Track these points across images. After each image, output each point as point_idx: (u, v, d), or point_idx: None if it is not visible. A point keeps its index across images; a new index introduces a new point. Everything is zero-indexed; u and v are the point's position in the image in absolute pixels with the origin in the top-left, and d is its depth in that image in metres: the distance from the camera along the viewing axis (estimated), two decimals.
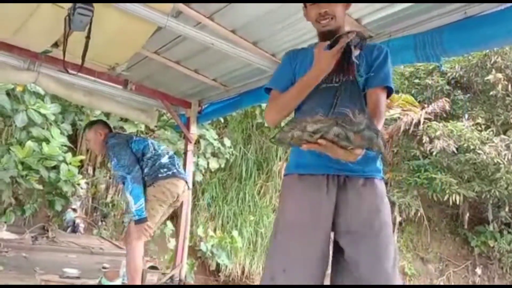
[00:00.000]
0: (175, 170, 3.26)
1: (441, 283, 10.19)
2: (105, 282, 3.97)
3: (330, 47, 1.55)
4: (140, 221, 2.98)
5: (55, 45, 3.26)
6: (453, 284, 10.42)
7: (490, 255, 10.78)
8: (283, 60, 1.95)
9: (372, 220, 1.51)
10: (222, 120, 8.56)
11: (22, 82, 4.27)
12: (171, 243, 6.93)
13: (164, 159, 3.26)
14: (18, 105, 5.14)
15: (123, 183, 3.15)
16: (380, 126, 1.53)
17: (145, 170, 3.18)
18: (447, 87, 11.50)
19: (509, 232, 10.74)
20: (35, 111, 5.22)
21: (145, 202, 3.05)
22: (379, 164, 1.67)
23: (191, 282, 6.51)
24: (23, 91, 5.10)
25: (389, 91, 1.69)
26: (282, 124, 1.49)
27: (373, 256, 1.46)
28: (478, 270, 10.67)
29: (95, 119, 3.65)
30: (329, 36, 1.66)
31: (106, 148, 3.27)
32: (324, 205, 1.52)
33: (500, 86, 10.23)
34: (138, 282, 3.09)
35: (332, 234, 1.54)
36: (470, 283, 10.63)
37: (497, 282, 10.65)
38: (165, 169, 3.20)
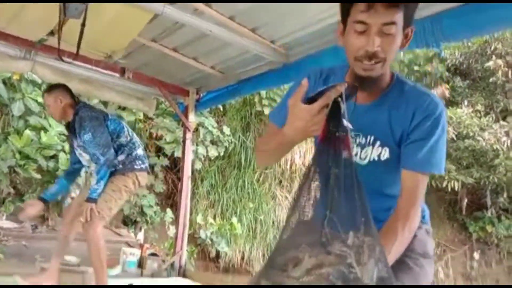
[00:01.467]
0: (147, 164, 3.28)
1: (439, 269, 10.27)
2: None
3: (310, 100, 0.97)
4: (92, 200, 2.93)
5: (51, 33, 3.23)
6: (451, 268, 10.52)
7: (488, 240, 10.88)
8: (294, 85, 1.37)
9: None
10: (221, 108, 8.54)
11: (18, 71, 4.22)
12: (171, 231, 6.97)
13: (140, 151, 3.23)
14: (14, 94, 5.11)
15: (94, 162, 3.05)
16: (412, 224, 1.11)
17: (121, 158, 3.12)
18: (447, 74, 11.45)
19: (507, 218, 10.82)
20: (32, 100, 5.20)
21: (111, 189, 3.03)
22: None
23: (191, 269, 6.56)
24: (19, 80, 5.06)
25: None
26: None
27: None
28: (476, 255, 10.77)
29: (56, 83, 3.36)
30: (365, 84, 1.13)
31: (78, 118, 3.05)
32: None
33: (500, 72, 10.20)
34: (105, 270, 3.06)
35: None
36: (468, 268, 10.73)
37: (494, 267, 10.75)
38: (140, 162, 3.19)
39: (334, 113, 0.96)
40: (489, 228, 10.63)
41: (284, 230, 0.94)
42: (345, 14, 1.11)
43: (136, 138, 3.31)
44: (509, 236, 10.60)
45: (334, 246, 0.86)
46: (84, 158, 3.17)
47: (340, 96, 0.95)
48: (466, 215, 11.10)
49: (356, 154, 1.19)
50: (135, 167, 3.15)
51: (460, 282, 10.49)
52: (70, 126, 3.18)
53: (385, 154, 1.17)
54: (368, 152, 1.19)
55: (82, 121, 3.02)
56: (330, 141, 0.96)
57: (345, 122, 0.95)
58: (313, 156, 1.00)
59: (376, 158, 1.18)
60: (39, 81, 5.22)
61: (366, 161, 1.18)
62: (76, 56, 2.83)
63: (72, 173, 3.43)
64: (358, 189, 0.93)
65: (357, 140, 1.20)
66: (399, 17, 1.05)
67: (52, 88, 3.23)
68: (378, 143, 1.18)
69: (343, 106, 0.95)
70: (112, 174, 3.08)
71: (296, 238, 0.91)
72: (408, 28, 1.11)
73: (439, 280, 10.19)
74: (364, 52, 1.07)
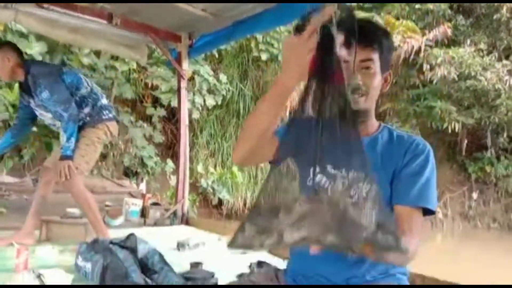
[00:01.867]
0: (114, 113, 3.17)
1: (438, 209, 10.48)
2: (108, 220, 4.04)
3: (298, 30, 0.89)
4: (66, 157, 2.84)
5: None
6: (449, 208, 10.74)
7: (487, 180, 11.03)
8: None
9: None
10: (216, 55, 8.31)
11: (1, 21, 4.04)
12: (173, 181, 7.01)
13: (104, 101, 3.10)
14: None
15: (58, 120, 2.92)
16: (402, 260, 1.05)
17: (86, 110, 3.00)
18: (449, 12, 11.06)
19: (506, 157, 10.90)
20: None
21: (84, 144, 2.96)
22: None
23: (194, 216, 6.68)
24: (4, 31, 4.86)
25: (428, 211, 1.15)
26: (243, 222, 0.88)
27: None
28: (474, 195, 10.96)
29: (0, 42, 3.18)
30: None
31: (31, 76, 2.86)
32: None
33: (504, 9, 9.84)
34: (99, 219, 3.05)
35: None
36: (466, 207, 10.95)
37: (492, 205, 10.97)
38: (107, 111, 3.08)
39: (325, 41, 0.85)
40: (488, 168, 10.73)
41: (270, 174, 0.86)
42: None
43: (97, 89, 3.14)
44: (507, 175, 10.73)
45: (326, 190, 0.81)
46: (47, 116, 3.01)
47: (331, 21, 0.84)
48: (466, 156, 11.18)
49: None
50: (103, 117, 3.04)
51: (459, 221, 10.75)
52: (23, 86, 2.97)
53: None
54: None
55: (36, 79, 2.85)
56: (321, 70, 0.87)
57: (337, 50, 0.86)
58: (304, 88, 0.90)
59: (364, 195, 1.12)
60: (26, 31, 5.03)
61: (354, 199, 1.14)
62: None
63: (20, 130, 3.23)
64: (353, 120, 0.85)
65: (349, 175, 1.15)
66: (375, 56, 1.15)
67: None
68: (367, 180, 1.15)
69: (335, 32, 0.85)
70: (81, 128, 2.97)
71: (284, 183, 0.83)
72: (387, 73, 1.21)
73: (437, 220, 10.44)
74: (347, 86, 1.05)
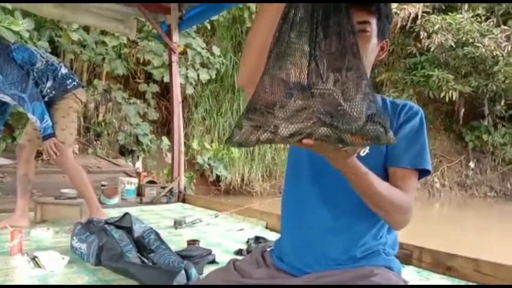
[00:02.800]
0: (78, 80, 3.02)
1: (435, 179, 10.52)
2: (104, 199, 4.01)
3: None
4: (49, 136, 2.76)
5: None
6: (446, 178, 10.79)
7: (484, 149, 11.04)
8: None
9: None
10: (208, 27, 8.10)
11: None
12: (169, 158, 6.95)
13: (63, 70, 2.93)
14: None
15: (19, 103, 2.77)
16: (402, 218, 1.07)
17: (49, 84, 2.83)
18: None
19: (503, 126, 10.88)
20: (7, 29, 4.84)
21: (61, 116, 2.86)
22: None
23: (191, 193, 6.65)
24: None
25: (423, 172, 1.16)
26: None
27: None
28: (471, 164, 10.99)
29: None
30: None
31: None
32: None
33: None
34: (94, 195, 3.02)
35: None
36: (463, 177, 11.00)
37: (489, 174, 11.02)
38: (70, 80, 2.93)
39: None
40: (485, 137, 10.72)
41: (265, 72, 0.86)
42: None
43: (53, 59, 2.95)
44: (504, 143, 10.73)
45: (319, 86, 0.81)
46: (7, 99, 2.85)
47: None
48: (463, 125, 11.15)
49: None
50: (68, 87, 2.90)
51: (456, 191, 10.81)
52: None
53: (366, 150, 1.13)
54: None
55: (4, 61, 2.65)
56: None
57: None
58: None
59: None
60: (10, 7, 4.84)
61: None
62: None
63: None
64: (347, 18, 0.83)
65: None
66: (373, 20, 1.10)
67: None
68: None
69: None
70: (51, 103, 2.85)
71: (279, 79, 0.84)
72: (384, 41, 1.17)
73: (434, 190, 10.50)
74: None
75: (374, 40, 1.12)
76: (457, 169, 11.08)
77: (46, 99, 2.82)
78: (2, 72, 2.65)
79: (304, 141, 0.81)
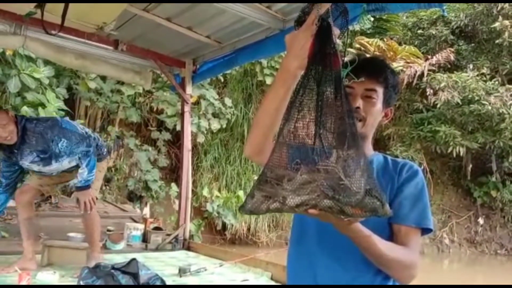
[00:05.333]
0: (107, 150, 3.50)
1: (444, 234, 10.34)
2: (110, 244, 4.02)
3: (298, 23, 1.05)
4: (86, 188, 3.04)
5: (39, 6, 3.11)
6: (455, 233, 10.59)
7: (492, 205, 10.88)
8: None
9: None
10: (221, 79, 8.41)
11: (9, 47, 4.14)
12: (176, 205, 6.98)
13: (101, 141, 3.43)
14: (10, 70, 5.02)
15: (83, 159, 3.03)
16: (408, 274, 1.13)
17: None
18: (451, 37, 11.19)
19: (511, 182, 10.78)
20: (28, 76, 5.11)
21: (97, 170, 3.25)
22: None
23: (199, 241, 6.62)
24: (13, 55, 4.96)
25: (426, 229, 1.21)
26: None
27: None
28: (481, 220, 10.81)
29: None
30: None
31: (36, 135, 2.87)
32: None
33: (506, 33, 9.93)
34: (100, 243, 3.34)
35: None
36: (473, 233, 10.79)
37: (499, 231, 10.80)
38: (105, 149, 3.41)
39: (323, 31, 0.98)
40: (493, 193, 10.61)
41: (276, 148, 0.97)
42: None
43: (90, 131, 3.38)
44: None
45: (322, 162, 0.92)
46: (48, 168, 3.06)
47: (328, 14, 0.98)
48: (471, 181, 11.08)
49: None
50: (104, 153, 3.38)
51: (465, 247, 10.57)
52: (14, 148, 2.90)
53: None
54: None
55: (44, 135, 2.88)
56: (319, 58, 0.99)
57: (334, 40, 0.98)
58: (302, 75, 1.01)
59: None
60: (34, 56, 5.13)
61: None
62: (61, 27, 2.72)
63: (11, 189, 3.25)
64: (346, 103, 0.96)
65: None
66: (379, 88, 1.23)
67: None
68: None
69: (332, 24, 0.98)
70: None
71: (287, 155, 0.96)
72: (388, 109, 1.28)
73: (444, 246, 10.28)
74: None
75: (379, 105, 1.24)
76: (466, 225, 10.89)
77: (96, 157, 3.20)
78: (65, 136, 2.93)
79: (310, 211, 0.89)
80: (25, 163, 2.99)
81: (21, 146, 2.89)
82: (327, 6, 0.99)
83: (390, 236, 1.17)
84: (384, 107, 1.26)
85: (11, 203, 5.26)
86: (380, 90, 1.24)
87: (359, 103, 1.20)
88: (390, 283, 1.19)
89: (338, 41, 1.03)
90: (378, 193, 0.88)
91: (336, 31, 1.00)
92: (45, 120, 3.08)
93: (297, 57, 1.04)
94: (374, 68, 1.25)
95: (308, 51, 1.00)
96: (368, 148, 1.28)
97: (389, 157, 1.30)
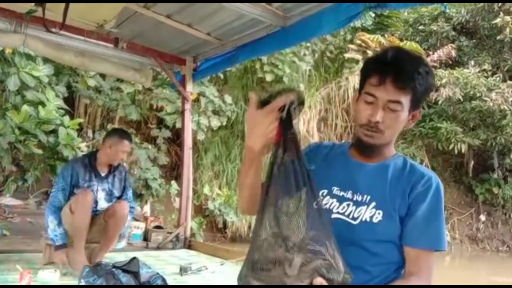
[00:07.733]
0: None
1: (446, 231, 10.31)
2: None
3: (262, 104, 1.08)
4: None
5: (39, 4, 3.09)
6: (457, 230, 10.58)
7: (494, 202, 10.87)
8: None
9: None
10: (221, 76, 8.37)
11: (9, 45, 4.10)
12: (177, 203, 6.97)
13: None
14: (9, 68, 4.99)
15: (123, 196, 3.36)
16: None
17: None
18: (453, 33, 11.16)
19: None
20: (28, 74, 5.08)
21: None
22: None
23: (201, 239, 6.61)
24: (13, 54, 4.93)
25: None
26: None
27: None
28: (482, 217, 10.80)
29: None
30: (366, 150, 1.21)
31: (124, 175, 3.39)
32: None
33: (508, 29, 9.90)
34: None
35: None
36: (474, 230, 10.78)
37: (500, 228, 10.79)
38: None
39: (286, 119, 1.06)
40: (495, 190, 10.60)
41: (261, 227, 1.00)
42: (361, 85, 1.22)
43: None
44: None
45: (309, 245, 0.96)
46: (103, 200, 3.26)
47: (291, 104, 1.05)
48: (472, 178, 11.06)
49: (350, 213, 1.19)
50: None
51: (467, 244, 10.56)
52: (109, 173, 3.29)
53: (378, 217, 1.15)
54: (362, 212, 1.18)
55: (126, 180, 3.40)
56: (282, 143, 1.06)
57: (294, 128, 1.07)
58: (271, 154, 1.08)
59: (368, 219, 1.17)
60: (33, 54, 5.10)
61: (357, 221, 1.18)
62: (62, 25, 2.70)
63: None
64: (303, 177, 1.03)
65: (355, 197, 1.21)
66: (405, 98, 1.13)
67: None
68: (373, 204, 1.18)
69: (294, 114, 1.06)
70: None
71: (279, 235, 0.97)
72: (416, 111, 1.20)
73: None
74: (367, 121, 1.16)
75: (403, 116, 1.16)
76: (468, 222, 10.89)
77: None
78: (130, 186, 3.50)
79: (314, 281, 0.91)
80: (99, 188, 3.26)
81: (109, 175, 3.28)
82: (291, 97, 1.05)
83: (400, 247, 1.16)
84: (410, 112, 1.17)
85: (13, 202, 5.30)
86: (405, 101, 1.13)
87: (380, 116, 1.13)
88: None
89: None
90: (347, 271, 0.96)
91: (294, 119, 1.07)
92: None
93: (260, 137, 1.07)
94: (401, 74, 1.11)
95: (275, 133, 1.06)
96: (389, 150, 1.25)
97: (409, 162, 1.24)
